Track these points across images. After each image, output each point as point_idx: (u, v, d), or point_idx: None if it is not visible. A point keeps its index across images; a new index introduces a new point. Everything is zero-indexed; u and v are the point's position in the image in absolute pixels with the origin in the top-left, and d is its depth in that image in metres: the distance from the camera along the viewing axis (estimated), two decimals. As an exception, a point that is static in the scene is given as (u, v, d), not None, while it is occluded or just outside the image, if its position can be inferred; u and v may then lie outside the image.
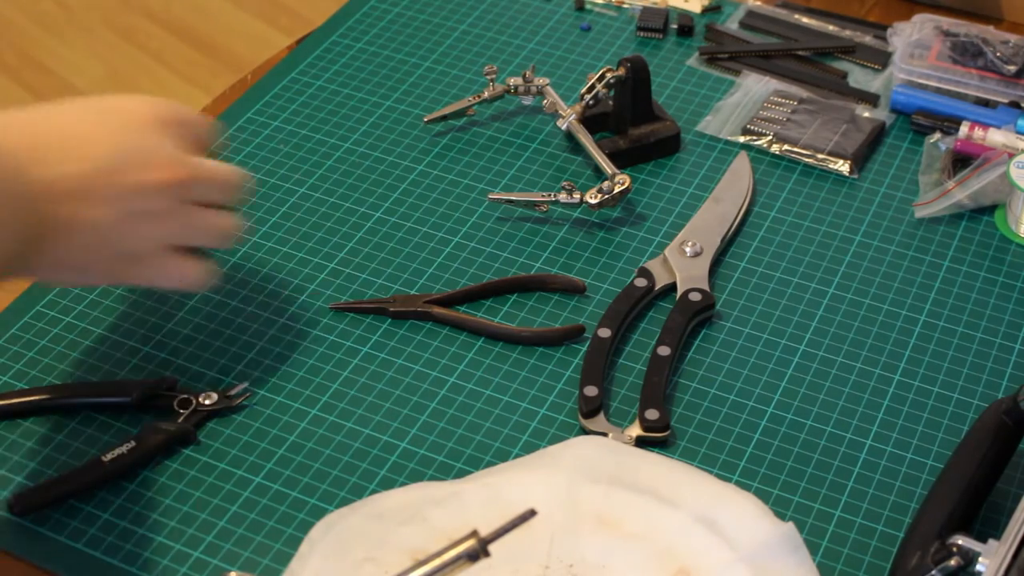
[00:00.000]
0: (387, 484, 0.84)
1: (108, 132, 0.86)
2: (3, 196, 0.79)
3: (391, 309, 0.95)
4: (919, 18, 1.19)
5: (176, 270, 0.87)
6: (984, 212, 1.04)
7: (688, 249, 0.98)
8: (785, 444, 0.87)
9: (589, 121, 1.08)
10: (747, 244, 1.01)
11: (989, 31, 1.16)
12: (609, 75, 1.07)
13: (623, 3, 1.25)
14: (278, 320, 0.95)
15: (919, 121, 1.11)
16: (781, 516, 0.81)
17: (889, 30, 1.20)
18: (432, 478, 0.84)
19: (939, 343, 0.94)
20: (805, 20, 1.24)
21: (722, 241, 1.00)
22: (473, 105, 1.12)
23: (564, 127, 1.07)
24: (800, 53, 1.20)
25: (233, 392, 0.88)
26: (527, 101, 1.12)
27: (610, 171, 1.02)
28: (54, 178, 0.81)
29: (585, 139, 1.06)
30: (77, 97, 0.88)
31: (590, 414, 0.87)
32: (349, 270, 0.98)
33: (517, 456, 0.85)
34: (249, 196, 0.97)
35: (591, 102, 1.08)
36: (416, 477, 0.84)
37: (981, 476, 0.80)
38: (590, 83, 1.08)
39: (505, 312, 0.95)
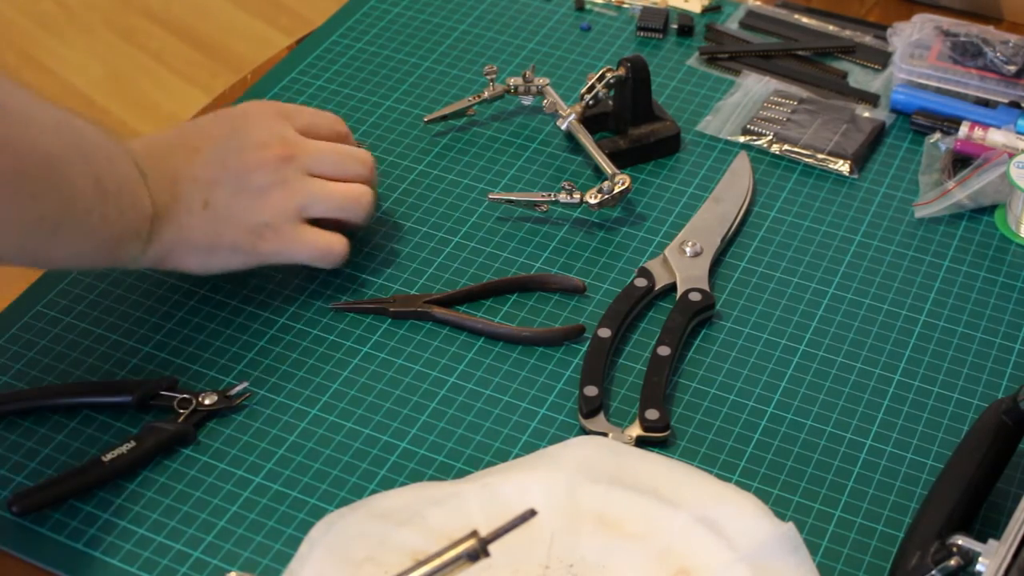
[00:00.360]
0: (387, 484, 0.84)
1: (226, 120, 0.95)
2: (141, 173, 0.87)
3: (391, 309, 0.95)
4: (919, 18, 1.19)
5: (311, 239, 0.93)
6: (984, 212, 1.04)
7: (688, 249, 0.98)
8: (785, 444, 0.87)
9: (589, 121, 1.08)
10: (747, 244, 1.01)
11: (989, 31, 1.16)
12: (609, 75, 1.07)
13: (623, 3, 1.25)
14: (278, 320, 0.95)
15: (919, 121, 1.11)
16: (781, 516, 0.81)
17: (889, 30, 1.20)
18: (432, 478, 0.84)
19: (939, 343, 0.94)
20: (805, 20, 1.24)
21: (722, 241, 1.00)
22: (473, 105, 1.12)
23: (564, 127, 1.07)
24: (800, 53, 1.20)
25: (233, 392, 0.88)
26: (527, 101, 1.12)
27: (610, 171, 1.02)
28: (182, 164, 0.90)
29: (585, 139, 1.06)
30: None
31: (590, 414, 0.87)
32: (349, 270, 0.98)
33: (517, 456, 0.85)
34: (376, 174, 1.00)
35: (591, 102, 1.08)
36: (416, 477, 0.84)
37: (981, 476, 0.80)
38: (590, 83, 1.08)
39: (505, 312, 0.95)
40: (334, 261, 0.95)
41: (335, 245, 0.95)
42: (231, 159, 0.92)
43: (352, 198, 0.95)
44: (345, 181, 0.96)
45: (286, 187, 0.92)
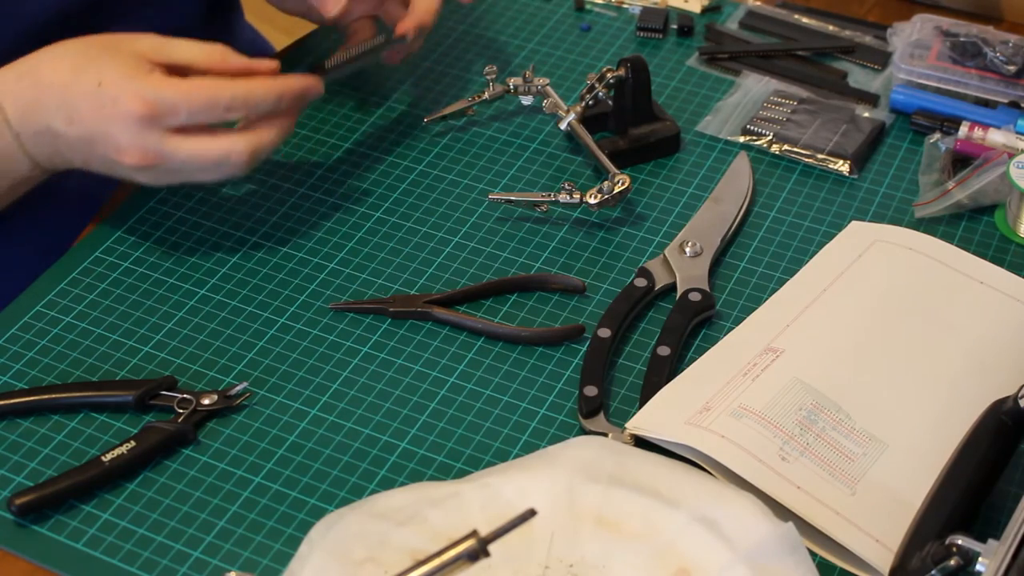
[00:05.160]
0: (387, 484, 0.84)
1: (88, 79, 0.90)
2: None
3: (391, 309, 0.95)
4: (919, 18, 1.19)
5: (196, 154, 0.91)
6: (984, 212, 1.04)
7: (688, 249, 0.98)
8: (785, 444, 0.87)
9: (589, 121, 1.08)
10: (747, 244, 1.01)
11: (989, 31, 1.16)
12: (609, 75, 1.07)
13: (623, 3, 1.25)
14: (278, 320, 0.95)
15: (919, 121, 1.11)
16: (780, 516, 0.81)
17: (889, 30, 1.20)
18: (432, 478, 0.84)
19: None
20: (805, 20, 1.24)
21: (722, 241, 1.00)
22: (473, 105, 1.12)
23: (564, 127, 1.07)
24: (800, 53, 1.20)
25: (233, 392, 0.88)
26: (527, 101, 1.12)
27: (610, 171, 1.02)
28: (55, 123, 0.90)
29: (585, 139, 1.06)
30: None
31: (590, 414, 0.87)
32: (349, 270, 0.98)
33: (517, 456, 0.85)
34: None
35: (591, 102, 1.08)
36: (416, 477, 0.84)
37: (981, 476, 0.80)
38: (590, 83, 1.08)
39: (505, 312, 0.95)
40: (230, 171, 0.93)
41: (230, 154, 0.92)
42: (96, 148, 0.91)
43: (213, 160, 0.93)
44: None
45: (152, 177, 0.92)
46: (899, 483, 0.81)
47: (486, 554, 0.66)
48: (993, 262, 0.98)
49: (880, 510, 0.80)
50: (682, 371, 0.90)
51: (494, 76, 1.11)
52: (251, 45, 1.32)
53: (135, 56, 0.91)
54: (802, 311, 0.92)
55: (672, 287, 0.96)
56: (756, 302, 0.96)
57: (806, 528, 0.79)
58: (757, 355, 0.89)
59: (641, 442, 0.85)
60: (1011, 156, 1.02)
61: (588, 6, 1.26)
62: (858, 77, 1.17)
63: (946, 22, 1.17)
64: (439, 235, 1.02)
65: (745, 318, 0.94)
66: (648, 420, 0.85)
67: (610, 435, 0.85)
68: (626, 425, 0.85)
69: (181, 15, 1.16)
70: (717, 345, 0.91)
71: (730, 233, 1.01)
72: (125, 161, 0.90)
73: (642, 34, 1.22)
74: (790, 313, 0.93)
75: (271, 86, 0.93)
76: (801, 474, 0.81)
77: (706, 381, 0.87)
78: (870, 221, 1.03)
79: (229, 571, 0.79)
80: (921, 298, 0.94)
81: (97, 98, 0.90)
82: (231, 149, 0.92)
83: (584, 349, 0.92)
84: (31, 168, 0.94)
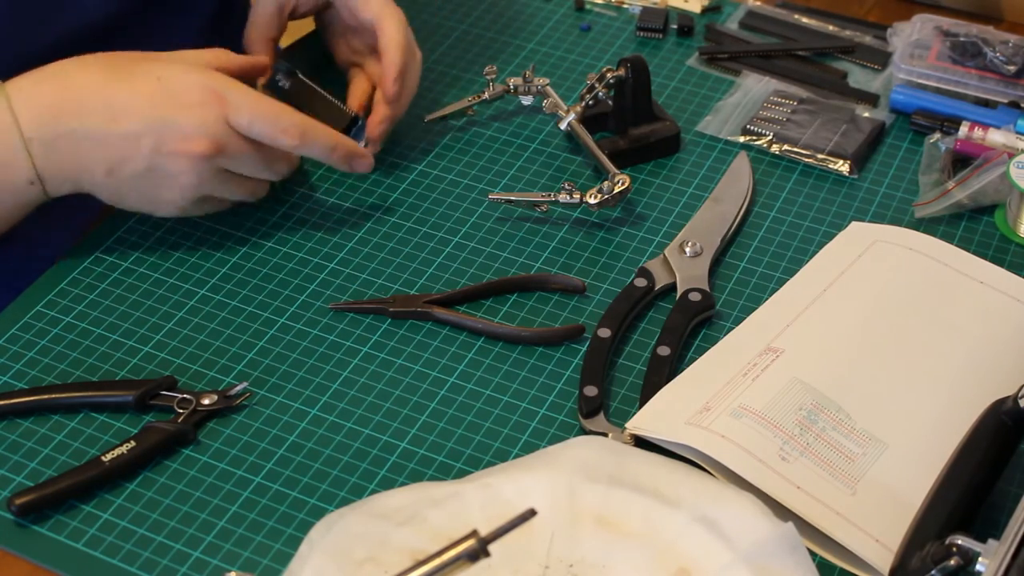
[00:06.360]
0: (387, 484, 0.84)
1: (156, 96, 0.92)
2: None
3: (391, 309, 0.95)
4: (919, 18, 1.19)
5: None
6: (984, 212, 1.04)
7: (688, 249, 0.98)
8: (785, 444, 0.87)
9: (589, 121, 1.08)
10: (747, 244, 1.01)
11: (989, 31, 1.16)
12: (609, 75, 1.07)
13: (623, 3, 1.25)
14: (278, 320, 0.95)
15: (919, 121, 1.11)
16: (780, 516, 0.81)
17: (889, 30, 1.20)
18: (432, 478, 0.84)
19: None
20: (805, 20, 1.24)
21: (722, 241, 1.00)
22: (473, 105, 1.12)
23: (564, 127, 1.07)
24: (800, 53, 1.20)
25: (233, 392, 0.88)
26: (527, 101, 1.12)
27: (610, 171, 1.02)
28: (95, 127, 0.91)
29: (585, 139, 1.06)
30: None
31: (590, 414, 0.87)
32: (349, 270, 0.98)
33: (517, 456, 0.85)
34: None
35: (591, 102, 1.08)
36: (416, 477, 0.84)
37: (981, 476, 0.80)
38: (590, 83, 1.08)
39: (505, 312, 0.95)
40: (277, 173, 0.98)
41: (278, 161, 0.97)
42: (146, 142, 0.91)
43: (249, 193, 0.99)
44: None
45: (197, 178, 0.93)
46: (899, 483, 0.81)
47: (486, 554, 0.66)
48: (993, 262, 0.98)
49: (880, 510, 0.80)
50: (682, 371, 0.90)
51: (494, 76, 1.11)
52: None
53: (190, 58, 0.95)
54: (802, 311, 0.92)
55: (672, 287, 0.96)
56: (756, 302, 0.96)
57: (806, 528, 0.79)
58: (757, 355, 0.89)
59: (641, 442, 0.85)
60: (1011, 156, 1.02)
61: (588, 6, 1.26)
62: (858, 77, 1.17)
63: (946, 22, 1.17)
64: (439, 235, 1.02)
65: (745, 318, 0.94)
66: (648, 420, 0.85)
67: (610, 435, 0.85)
68: (626, 425, 0.85)
69: (199, 21, 1.16)
70: (717, 345, 0.91)
71: (730, 233, 1.01)
72: (192, 148, 0.91)
73: (642, 34, 1.22)
74: (790, 313, 0.93)
75: (331, 134, 0.97)
76: (801, 474, 0.81)
77: (706, 381, 0.87)
78: (870, 221, 1.03)
79: (229, 571, 0.79)
80: (921, 298, 0.94)
81: (159, 91, 0.91)
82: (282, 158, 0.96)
83: (584, 349, 0.92)
84: (29, 180, 0.91)
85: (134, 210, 0.97)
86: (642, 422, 0.85)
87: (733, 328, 0.93)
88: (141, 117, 0.91)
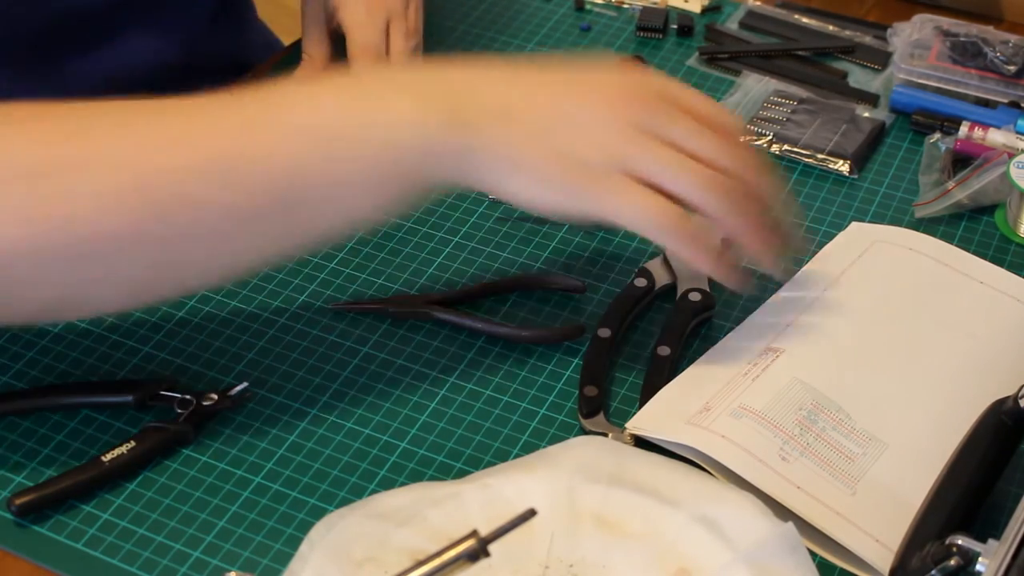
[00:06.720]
0: (387, 484, 0.84)
1: (562, 96, 0.81)
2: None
3: (391, 309, 0.95)
4: (919, 18, 1.19)
5: (639, 195, 0.78)
6: (984, 212, 1.04)
7: (688, 249, 0.98)
8: (785, 444, 0.87)
9: (589, 121, 1.08)
10: (747, 244, 1.01)
11: (989, 31, 1.16)
12: (609, 75, 1.07)
13: (623, 3, 1.25)
14: (278, 320, 0.95)
15: (919, 121, 1.11)
16: (780, 516, 0.81)
17: (889, 30, 1.20)
18: (432, 478, 0.84)
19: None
20: (805, 20, 1.24)
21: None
22: (473, 105, 1.11)
23: (564, 127, 1.07)
24: (800, 53, 1.20)
25: (233, 392, 0.88)
26: (527, 101, 1.12)
27: (610, 171, 1.02)
28: (487, 98, 0.79)
29: (585, 139, 1.06)
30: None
31: (590, 414, 0.87)
32: (349, 270, 0.98)
33: (517, 456, 0.85)
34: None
35: (591, 102, 1.08)
36: (416, 477, 0.84)
37: (981, 476, 0.80)
38: (590, 83, 1.07)
39: (505, 312, 0.95)
40: (665, 234, 0.80)
41: (669, 213, 0.78)
42: (557, 94, 0.80)
43: (705, 177, 0.79)
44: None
45: (616, 132, 0.79)
46: (899, 483, 0.81)
47: (486, 554, 0.66)
48: (993, 262, 0.98)
49: (880, 510, 0.80)
50: (682, 370, 0.90)
51: (494, 76, 1.11)
52: (266, 46, 1.32)
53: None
54: (802, 312, 0.92)
55: (672, 287, 0.96)
56: (756, 302, 0.96)
57: (806, 528, 0.79)
58: (757, 355, 0.89)
59: (641, 442, 0.85)
60: (1011, 156, 1.02)
61: (588, 6, 1.25)
62: (858, 77, 1.17)
63: (946, 22, 1.17)
64: (439, 235, 1.01)
65: (745, 318, 0.94)
66: (648, 420, 0.85)
67: (610, 435, 0.85)
68: (626, 425, 0.85)
69: (197, 12, 1.16)
70: (717, 345, 0.91)
71: (730, 233, 1.01)
72: (612, 129, 0.78)
73: (642, 34, 1.22)
74: (790, 313, 0.92)
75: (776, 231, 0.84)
76: (801, 474, 0.81)
77: (706, 381, 0.87)
78: (870, 221, 1.03)
79: (229, 571, 0.79)
80: (921, 298, 0.94)
81: (589, 80, 0.81)
82: (717, 178, 0.80)
83: (584, 349, 0.92)
84: (383, 186, 0.79)
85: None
86: (642, 422, 0.85)
87: (733, 328, 0.93)
88: (565, 102, 0.80)
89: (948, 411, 0.85)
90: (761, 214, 0.83)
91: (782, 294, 0.95)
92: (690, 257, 0.82)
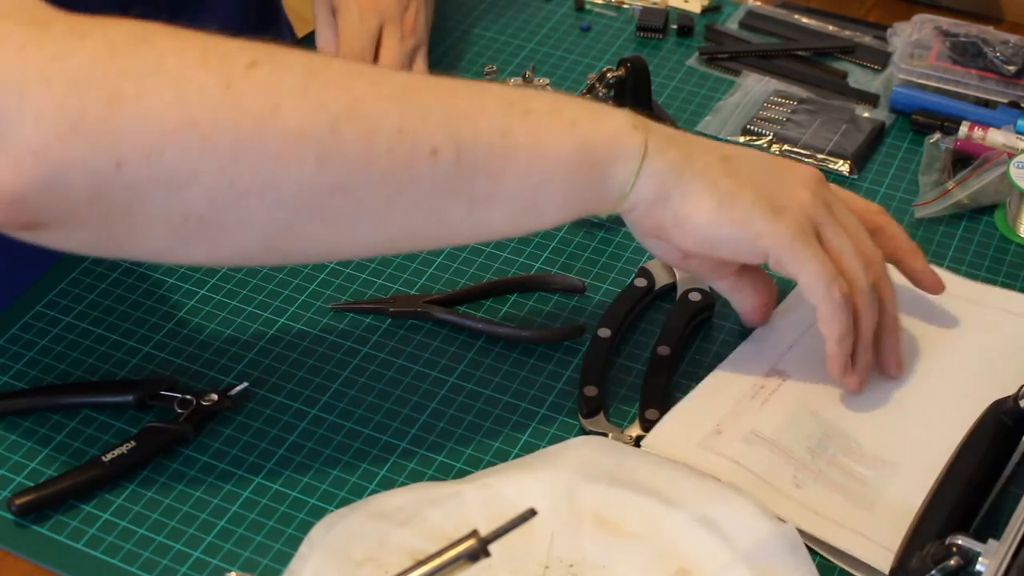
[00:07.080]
0: (387, 484, 0.84)
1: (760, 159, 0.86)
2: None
3: (391, 309, 0.95)
4: (919, 18, 1.19)
5: (820, 258, 0.82)
6: (984, 212, 1.04)
7: (688, 249, 0.98)
8: (785, 444, 0.87)
9: (589, 121, 1.08)
10: (747, 244, 1.01)
11: (989, 31, 1.16)
12: (609, 75, 1.07)
13: (623, 3, 1.25)
14: (278, 320, 0.95)
15: (919, 121, 1.11)
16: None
17: (889, 30, 1.20)
18: (432, 478, 0.84)
19: (939, 343, 0.94)
20: (805, 20, 1.24)
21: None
22: (473, 105, 1.11)
23: (564, 127, 1.07)
24: (800, 53, 1.20)
25: (233, 392, 0.88)
26: (527, 101, 1.12)
27: (610, 171, 1.02)
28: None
29: (585, 139, 1.06)
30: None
31: (590, 414, 0.87)
32: (349, 270, 0.98)
33: (517, 456, 0.85)
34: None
35: (591, 102, 1.08)
36: (416, 477, 0.84)
37: (981, 476, 0.80)
38: (590, 83, 1.08)
39: (505, 312, 0.95)
40: (831, 302, 0.83)
41: (844, 287, 0.83)
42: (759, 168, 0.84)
43: (868, 273, 0.84)
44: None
45: (813, 197, 0.83)
46: (916, 500, 0.80)
47: (486, 554, 0.66)
48: (993, 262, 0.98)
49: (900, 528, 0.79)
50: (680, 369, 0.90)
51: (494, 75, 1.11)
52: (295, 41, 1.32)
53: None
54: (805, 329, 0.91)
55: (672, 287, 0.96)
56: (756, 302, 0.96)
57: (822, 545, 0.79)
58: (764, 375, 0.88)
59: (641, 442, 0.85)
60: (1011, 156, 1.02)
61: (588, 6, 1.26)
62: (858, 77, 1.17)
63: (946, 22, 1.18)
64: (439, 235, 1.01)
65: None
66: (662, 439, 0.85)
67: (610, 435, 0.85)
68: (643, 444, 0.84)
69: (233, 8, 1.16)
70: (725, 362, 0.90)
71: (730, 233, 1.01)
72: (810, 193, 0.83)
73: (642, 34, 1.22)
74: (792, 333, 0.92)
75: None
76: (817, 500, 0.81)
77: (717, 401, 0.87)
78: (870, 221, 1.03)
79: (229, 571, 0.79)
80: (922, 316, 0.93)
81: (789, 162, 0.87)
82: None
83: (584, 349, 0.92)
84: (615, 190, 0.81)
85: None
86: (656, 441, 0.85)
87: (733, 328, 0.93)
88: (770, 168, 0.85)
89: (954, 424, 0.84)
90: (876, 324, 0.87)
91: (784, 306, 0.94)
92: (833, 335, 0.84)
